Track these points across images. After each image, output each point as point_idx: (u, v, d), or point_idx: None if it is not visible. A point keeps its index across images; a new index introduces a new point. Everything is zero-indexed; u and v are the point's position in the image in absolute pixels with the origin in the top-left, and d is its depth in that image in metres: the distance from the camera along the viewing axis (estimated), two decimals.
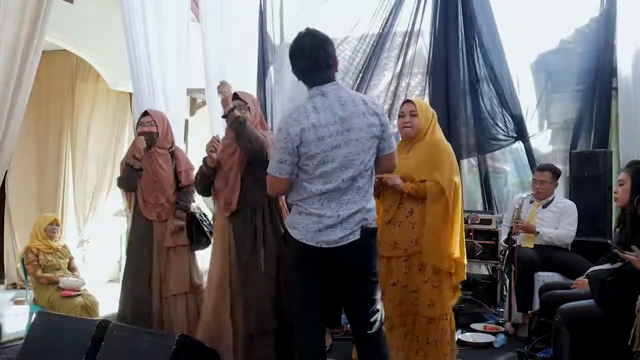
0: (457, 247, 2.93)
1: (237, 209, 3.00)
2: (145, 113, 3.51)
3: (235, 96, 3.02)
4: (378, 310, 2.41)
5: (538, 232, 4.00)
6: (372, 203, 2.39)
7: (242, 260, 2.97)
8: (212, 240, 3.33)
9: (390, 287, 2.93)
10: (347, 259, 2.33)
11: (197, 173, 3.19)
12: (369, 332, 2.37)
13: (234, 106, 2.90)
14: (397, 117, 3.25)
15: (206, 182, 3.12)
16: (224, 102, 2.91)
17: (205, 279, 3.39)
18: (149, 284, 3.35)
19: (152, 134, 3.42)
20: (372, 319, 2.38)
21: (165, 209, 3.43)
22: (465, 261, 3.02)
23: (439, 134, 3.06)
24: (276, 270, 2.95)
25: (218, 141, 3.06)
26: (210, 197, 3.26)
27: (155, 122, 3.46)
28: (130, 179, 3.37)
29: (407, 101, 3.11)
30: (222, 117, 2.93)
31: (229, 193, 3.02)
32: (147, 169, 3.41)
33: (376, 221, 2.44)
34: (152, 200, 3.41)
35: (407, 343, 2.92)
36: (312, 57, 2.30)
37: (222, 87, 2.95)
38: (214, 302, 3.02)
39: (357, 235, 2.30)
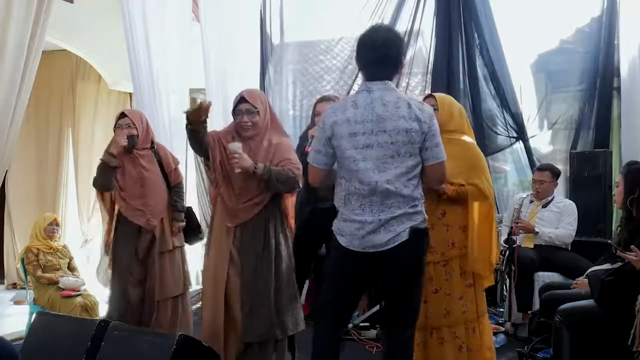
0: (495, 251, 2.90)
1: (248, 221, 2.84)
2: (122, 115, 3.34)
3: (244, 100, 2.82)
4: (416, 315, 2.40)
5: (537, 232, 4.00)
6: (419, 208, 2.31)
7: (249, 267, 2.82)
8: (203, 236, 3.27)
9: (432, 294, 2.78)
10: (397, 261, 2.28)
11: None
12: (401, 336, 2.35)
13: (255, 167, 2.70)
14: None
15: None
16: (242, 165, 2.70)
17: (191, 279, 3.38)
18: (139, 289, 3.28)
19: (133, 137, 3.25)
20: (409, 324, 2.37)
21: (155, 214, 3.30)
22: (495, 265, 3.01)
23: (471, 134, 2.96)
24: (275, 281, 2.83)
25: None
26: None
27: (134, 124, 3.28)
28: (106, 177, 3.20)
29: (429, 96, 3.00)
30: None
31: (236, 201, 2.82)
32: (130, 173, 3.27)
33: (427, 222, 2.37)
34: (139, 206, 3.27)
35: (465, 355, 2.79)
36: (381, 50, 2.25)
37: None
38: (211, 310, 2.87)
39: (404, 237, 2.25)
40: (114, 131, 3.35)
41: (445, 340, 2.79)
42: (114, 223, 3.37)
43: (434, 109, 2.84)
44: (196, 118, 2.67)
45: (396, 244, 2.24)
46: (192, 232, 3.55)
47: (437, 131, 2.30)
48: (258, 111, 2.82)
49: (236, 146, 2.71)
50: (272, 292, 2.80)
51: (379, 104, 2.24)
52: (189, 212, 3.55)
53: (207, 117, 2.71)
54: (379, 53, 2.25)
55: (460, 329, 2.80)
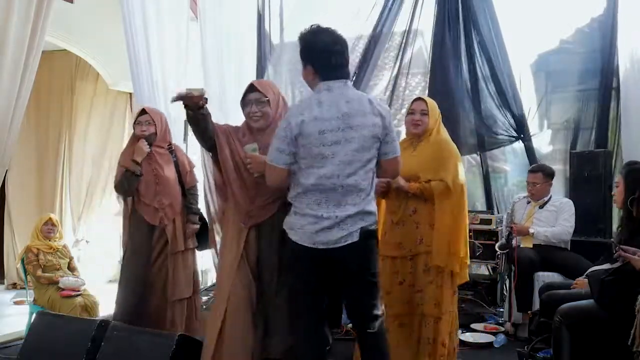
0: (463, 247, 2.92)
1: (263, 221, 2.65)
2: (143, 111, 3.40)
3: (253, 88, 2.64)
4: (378, 310, 2.41)
5: (532, 233, 4.00)
6: (372, 206, 2.37)
7: (266, 281, 2.63)
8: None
9: (397, 285, 2.93)
10: (347, 261, 2.32)
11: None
12: (369, 331, 2.37)
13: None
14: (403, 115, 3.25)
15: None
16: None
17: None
18: (149, 289, 3.29)
19: (150, 135, 3.33)
20: (373, 319, 2.38)
21: (168, 213, 3.33)
22: (468, 261, 3.02)
23: (444, 133, 3.05)
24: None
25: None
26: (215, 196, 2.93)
27: (154, 121, 3.36)
28: (130, 184, 3.27)
29: (418, 99, 3.06)
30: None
31: (250, 202, 2.63)
32: (146, 171, 3.31)
33: (377, 224, 2.43)
34: (155, 203, 3.29)
35: (414, 343, 2.91)
36: (337, 51, 2.32)
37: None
38: (231, 328, 2.59)
39: (355, 237, 2.29)
40: (134, 128, 3.42)
41: (404, 325, 2.93)
42: (128, 218, 3.40)
43: (424, 113, 2.97)
44: (190, 102, 2.52)
45: (346, 243, 2.28)
46: (203, 237, 3.48)
47: (393, 125, 2.41)
48: (268, 100, 2.61)
49: (251, 148, 2.52)
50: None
51: (342, 101, 2.30)
52: (201, 216, 3.52)
53: (204, 102, 2.55)
54: (337, 54, 2.32)
55: (415, 319, 2.91)
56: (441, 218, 2.87)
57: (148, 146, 3.28)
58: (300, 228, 2.31)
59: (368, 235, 2.33)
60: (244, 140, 2.64)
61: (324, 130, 2.26)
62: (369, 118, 2.30)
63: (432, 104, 3.04)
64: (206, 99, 2.55)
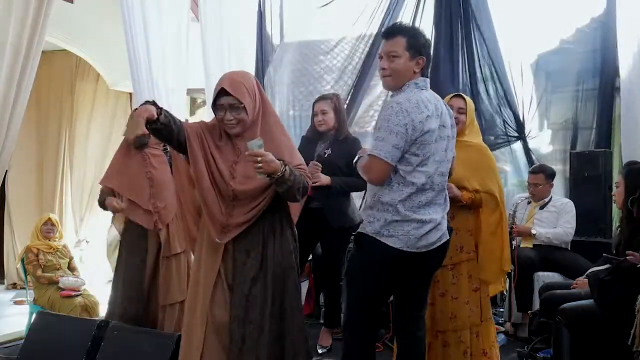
0: (508, 263, 2.90)
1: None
2: None
3: (224, 92, 2.22)
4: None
5: (535, 234, 4.00)
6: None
7: (242, 294, 2.26)
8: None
9: (439, 297, 2.78)
10: (433, 260, 2.30)
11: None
12: (419, 333, 2.38)
13: (284, 169, 2.15)
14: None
15: None
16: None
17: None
18: (143, 293, 3.26)
19: (144, 136, 3.27)
20: (422, 322, 2.42)
21: (163, 216, 3.29)
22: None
23: (480, 135, 2.96)
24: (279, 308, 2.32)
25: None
26: None
27: None
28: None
29: (456, 95, 2.93)
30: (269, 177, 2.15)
31: (228, 214, 2.26)
32: (140, 173, 3.25)
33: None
34: (149, 207, 3.26)
35: (460, 356, 2.77)
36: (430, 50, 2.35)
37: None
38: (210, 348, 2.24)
39: (447, 236, 2.29)
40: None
41: (448, 344, 2.78)
42: (123, 221, 3.39)
43: (461, 112, 2.83)
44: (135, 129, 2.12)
45: (441, 243, 2.27)
46: None
47: None
48: (244, 106, 2.22)
49: (257, 144, 2.08)
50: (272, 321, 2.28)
51: (435, 99, 2.29)
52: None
53: (157, 114, 2.14)
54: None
55: (465, 334, 2.78)
56: (491, 231, 2.81)
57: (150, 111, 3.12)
58: (404, 235, 2.17)
59: (451, 233, 2.34)
60: (221, 144, 2.29)
61: (433, 129, 2.19)
62: (450, 118, 2.32)
63: (470, 102, 2.91)
64: (161, 108, 2.17)
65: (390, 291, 2.38)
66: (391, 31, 2.29)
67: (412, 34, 2.26)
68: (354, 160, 2.40)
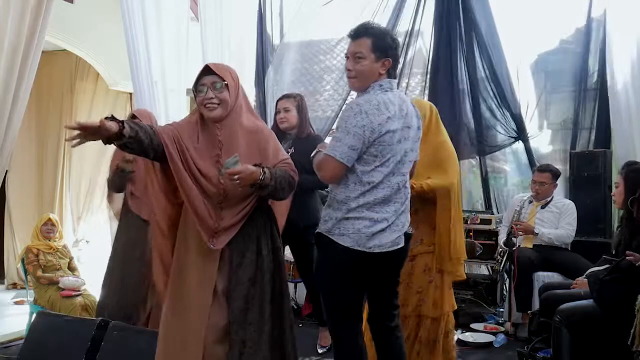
0: (464, 252, 2.95)
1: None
2: (133, 117, 3.27)
3: (208, 70, 2.19)
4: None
5: (537, 234, 4.00)
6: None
7: (236, 297, 2.20)
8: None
9: None
10: (389, 266, 2.32)
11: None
12: (394, 324, 2.42)
13: (262, 177, 2.12)
14: None
15: None
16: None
17: None
18: (141, 287, 3.21)
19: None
20: (397, 313, 2.46)
21: None
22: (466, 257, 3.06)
23: (444, 135, 3.00)
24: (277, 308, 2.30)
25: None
26: None
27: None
28: (121, 182, 3.23)
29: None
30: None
31: (216, 219, 2.19)
32: (139, 165, 3.19)
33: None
34: (147, 198, 3.25)
35: (409, 345, 2.88)
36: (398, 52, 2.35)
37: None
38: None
39: (403, 242, 2.27)
40: None
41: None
42: (120, 215, 3.38)
43: None
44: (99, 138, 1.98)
45: (397, 247, 2.26)
46: None
47: None
48: (227, 85, 2.17)
49: (232, 162, 2.06)
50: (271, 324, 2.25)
51: (401, 100, 2.26)
52: None
53: (119, 128, 1.98)
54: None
55: (412, 320, 2.89)
56: (443, 222, 2.86)
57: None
58: (355, 233, 2.18)
59: (408, 239, 2.34)
60: (198, 146, 2.19)
61: (395, 129, 2.19)
62: (417, 120, 2.31)
63: (421, 104, 2.93)
64: (122, 121, 1.99)
65: (357, 288, 2.33)
66: (357, 32, 2.26)
67: (378, 35, 2.24)
68: (311, 155, 2.39)
